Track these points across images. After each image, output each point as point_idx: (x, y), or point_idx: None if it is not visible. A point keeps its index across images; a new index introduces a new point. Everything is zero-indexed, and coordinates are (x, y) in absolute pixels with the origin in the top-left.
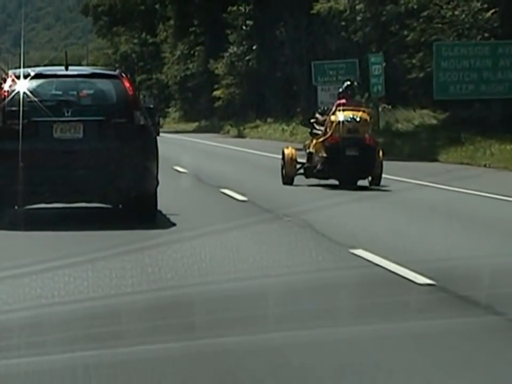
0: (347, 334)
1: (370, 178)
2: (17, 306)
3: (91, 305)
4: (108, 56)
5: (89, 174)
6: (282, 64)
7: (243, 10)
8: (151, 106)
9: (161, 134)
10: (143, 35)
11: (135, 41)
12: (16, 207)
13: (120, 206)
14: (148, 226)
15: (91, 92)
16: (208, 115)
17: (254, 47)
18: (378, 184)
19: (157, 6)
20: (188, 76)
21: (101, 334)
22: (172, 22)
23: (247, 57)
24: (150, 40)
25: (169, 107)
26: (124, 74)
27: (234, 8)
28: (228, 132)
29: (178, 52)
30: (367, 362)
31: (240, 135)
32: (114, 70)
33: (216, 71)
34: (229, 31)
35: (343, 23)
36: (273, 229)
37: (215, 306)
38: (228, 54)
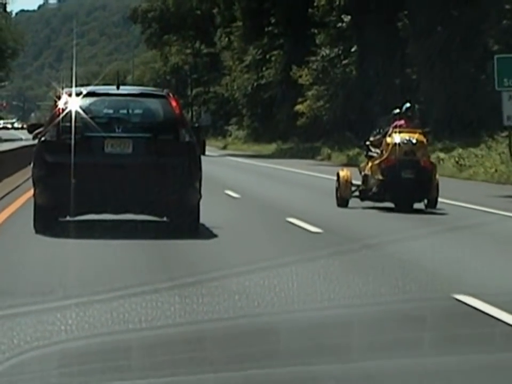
0: (433, 365)
1: (426, 201)
2: (104, 330)
3: (177, 331)
4: (155, 70)
5: (137, 187)
6: (405, 66)
7: (337, 2)
8: (196, 125)
9: (229, 158)
10: (197, 44)
11: (188, 51)
12: (68, 217)
13: (165, 218)
14: (235, 253)
15: (140, 110)
16: (286, 135)
17: (353, 49)
18: (434, 207)
19: (215, 11)
20: (262, 86)
21: (183, 360)
22: (238, 23)
23: (343, 62)
24: (205, 50)
25: (229, 124)
26: (171, 94)
27: (323, 1)
28: (329, 157)
29: (249, 58)
30: None
31: (350, 163)
32: (162, 90)
33: (300, 80)
34: (315, 30)
35: None
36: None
37: (301, 334)
38: (315, 58)
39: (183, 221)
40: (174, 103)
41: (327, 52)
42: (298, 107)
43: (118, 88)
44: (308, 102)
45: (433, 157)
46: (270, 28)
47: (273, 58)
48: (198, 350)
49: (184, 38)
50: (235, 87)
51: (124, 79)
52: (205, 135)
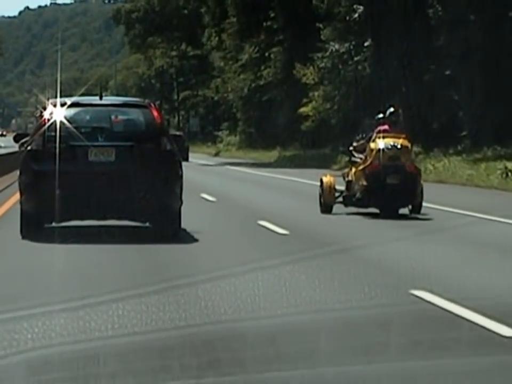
0: (400, 370)
1: (410, 206)
2: (71, 339)
3: (143, 339)
4: (138, 75)
5: (119, 193)
6: (435, 60)
7: None
8: (178, 133)
9: (230, 168)
10: (183, 46)
11: (174, 53)
12: (53, 223)
13: (147, 223)
14: (204, 259)
15: (122, 119)
16: (287, 140)
17: (367, 43)
18: (418, 213)
19: (203, 10)
20: (259, 87)
21: (149, 368)
22: (232, 19)
23: (355, 58)
24: (191, 53)
25: (220, 129)
26: (152, 104)
27: None
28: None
29: (245, 56)
30: None
31: None
32: (144, 101)
33: (304, 80)
34: (320, 24)
35: None
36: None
37: (267, 341)
38: (322, 54)
39: (165, 226)
40: (155, 113)
41: (336, 47)
42: (303, 109)
43: (100, 98)
44: (314, 103)
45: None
46: (268, 23)
47: (272, 56)
48: (164, 358)
49: (169, 40)
50: (229, 89)
51: (106, 84)
52: (192, 141)
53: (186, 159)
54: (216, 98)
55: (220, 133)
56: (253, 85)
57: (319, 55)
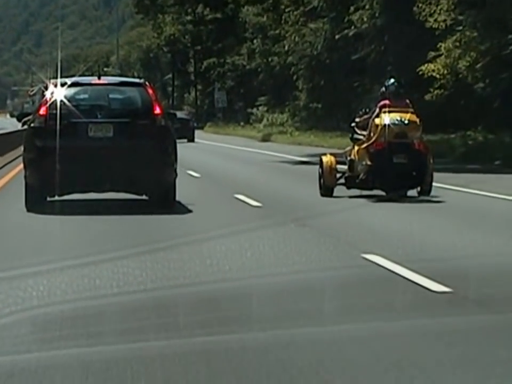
0: (345, 332)
1: (419, 188)
2: (76, 296)
3: (148, 296)
4: (142, 49)
5: (118, 167)
6: None
7: None
8: (171, 111)
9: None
10: (199, 9)
11: (188, 18)
12: (56, 196)
13: (144, 195)
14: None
15: (120, 97)
16: None
17: None
18: (428, 195)
19: None
20: (344, 39)
21: (154, 325)
22: None
23: None
24: (209, 16)
25: (256, 105)
26: (147, 83)
27: None
28: None
29: (300, 10)
30: (358, 360)
31: None
32: (140, 79)
33: (432, 22)
34: None
35: None
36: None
37: (220, 305)
38: None
39: (161, 198)
40: (150, 91)
41: None
42: (427, 66)
43: (99, 78)
44: (444, 59)
45: None
46: None
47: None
48: (169, 316)
49: (183, 1)
50: (286, 47)
51: (108, 60)
52: (217, 121)
53: (192, 140)
54: (249, 66)
55: (255, 110)
56: (336, 35)
57: None
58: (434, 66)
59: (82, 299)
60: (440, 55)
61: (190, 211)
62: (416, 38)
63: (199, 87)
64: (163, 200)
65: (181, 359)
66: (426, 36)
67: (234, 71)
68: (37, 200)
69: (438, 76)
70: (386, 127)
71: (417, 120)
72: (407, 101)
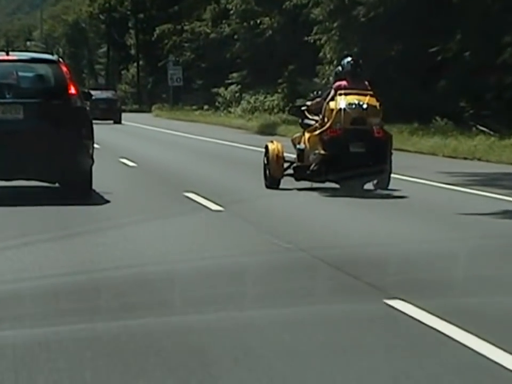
0: (248, 319)
1: (375, 181)
2: None
3: (64, 281)
4: (67, 23)
5: (28, 152)
6: None
7: None
8: (86, 90)
9: None
10: None
11: None
12: None
13: (57, 183)
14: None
15: (30, 75)
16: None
17: None
18: (386, 187)
19: None
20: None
21: (73, 309)
22: None
23: None
24: None
25: (226, 84)
26: (61, 60)
27: None
28: None
29: None
30: (262, 346)
31: None
32: (53, 55)
33: None
34: None
35: None
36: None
37: (133, 289)
38: None
39: (76, 186)
40: (64, 68)
41: None
42: None
43: (7, 54)
44: None
45: None
46: None
47: None
48: (91, 300)
49: None
50: None
51: (30, 35)
52: (167, 102)
53: (119, 122)
54: (214, 34)
55: (222, 90)
56: None
57: None
58: None
59: (2, 282)
60: None
61: (108, 201)
62: None
63: (141, 62)
64: (78, 188)
65: (101, 342)
66: None
67: (192, 40)
68: None
69: None
70: (342, 111)
71: (377, 104)
72: (366, 82)
